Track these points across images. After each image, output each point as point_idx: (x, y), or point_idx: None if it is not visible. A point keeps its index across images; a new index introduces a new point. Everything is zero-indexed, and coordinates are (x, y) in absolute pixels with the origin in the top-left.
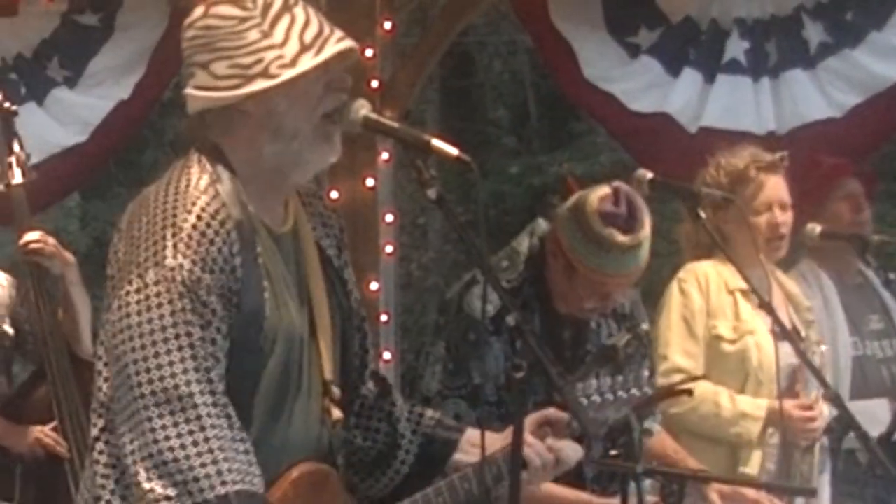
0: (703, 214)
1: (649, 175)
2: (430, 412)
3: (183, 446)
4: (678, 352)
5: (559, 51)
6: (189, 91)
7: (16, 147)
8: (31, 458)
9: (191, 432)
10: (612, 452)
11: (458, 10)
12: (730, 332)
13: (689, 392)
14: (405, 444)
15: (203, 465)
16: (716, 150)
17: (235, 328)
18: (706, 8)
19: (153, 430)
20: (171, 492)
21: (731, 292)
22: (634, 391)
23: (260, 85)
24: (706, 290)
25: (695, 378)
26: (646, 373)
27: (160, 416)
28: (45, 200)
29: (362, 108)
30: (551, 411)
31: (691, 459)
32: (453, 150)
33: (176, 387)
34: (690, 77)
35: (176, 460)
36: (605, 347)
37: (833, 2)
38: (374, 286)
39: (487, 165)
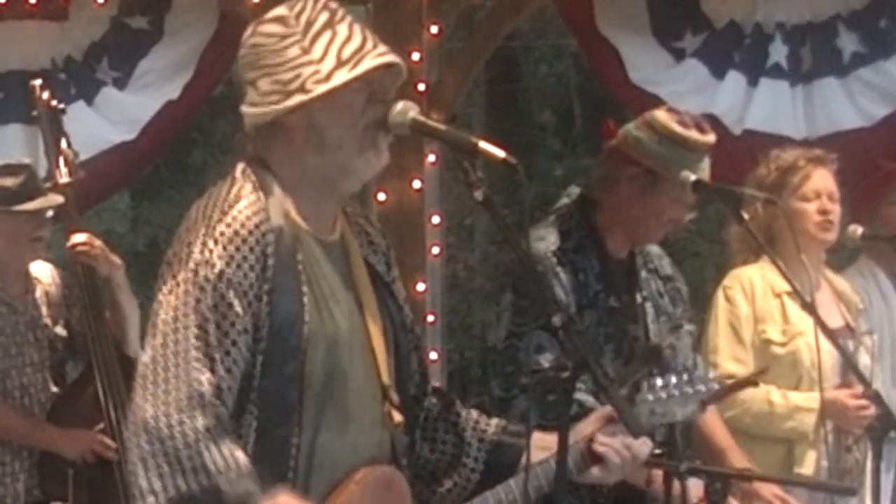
0: (745, 216)
1: (692, 177)
2: (495, 420)
3: (172, 437)
4: (728, 358)
5: (605, 55)
6: (242, 109)
7: (63, 145)
8: (81, 462)
9: (181, 423)
10: (657, 451)
11: (504, 15)
12: (779, 336)
13: (755, 384)
14: (473, 452)
15: (189, 458)
16: (759, 153)
17: (271, 331)
18: (751, 12)
19: (158, 418)
20: (156, 485)
21: (778, 295)
22: (701, 387)
23: (297, 99)
24: (752, 296)
25: (760, 372)
26: (711, 370)
27: (159, 403)
28: (93, 199)
29: (410, 111)
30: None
31: (738, 452)
32: (500, 153)
33: (177, 377)
34: (735, 80)
35: (167, 452)
36: (649, 347)
37: (868, 10)
38: (420, 287)
39: (533, 168)
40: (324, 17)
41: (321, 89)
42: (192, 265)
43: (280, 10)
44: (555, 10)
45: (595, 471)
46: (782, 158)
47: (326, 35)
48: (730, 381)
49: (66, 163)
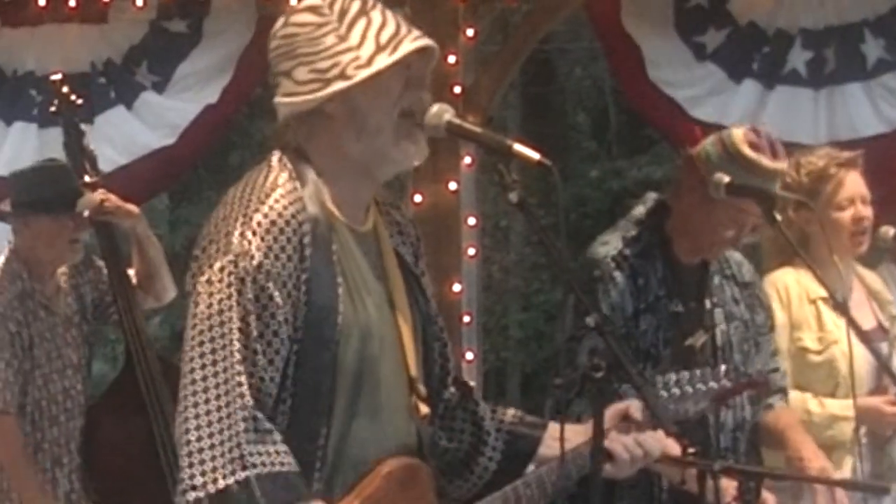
0: (778, 217)
1: (726, 179)
2: (511, 410)
3: (211, 434)
4: None
5: (626, 53)
6: (276, 100)
7: (84, 142)
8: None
9: (220, 419)
10: (690, 450)
11: (540, 18)
12: (815, 344)
13: (766, 383)
14: (490, 442)
15: (230, 450)
16: None
17: (307, 320)
18: (773, 15)
19: (194, 414)
20: (197, 481)
21: (813, 301)
22: (713, 384)
23: (338, 86)
24: (787, 303)
25: (770, 371)
26: (722, 366)
27: (199, 400)
28: (132, 201)
29: (446, 114)
30: (631, 404)
31: (800, 435)
32: (535, 155)
33: (215, 375)
34: (751, 87)
35: (201, 450)
36: (684, 349)
37: (894, 16)
38: (456, 288)
39: (568, 169)
40: (356, 4)
41: (363, 74)
42: (231, 256)
43: (312, 0)
44: (583, 7)
45: (607, 466)
46: (812, 163)
47: (362, 22)
48: (742, 380)
49: (89, 160)
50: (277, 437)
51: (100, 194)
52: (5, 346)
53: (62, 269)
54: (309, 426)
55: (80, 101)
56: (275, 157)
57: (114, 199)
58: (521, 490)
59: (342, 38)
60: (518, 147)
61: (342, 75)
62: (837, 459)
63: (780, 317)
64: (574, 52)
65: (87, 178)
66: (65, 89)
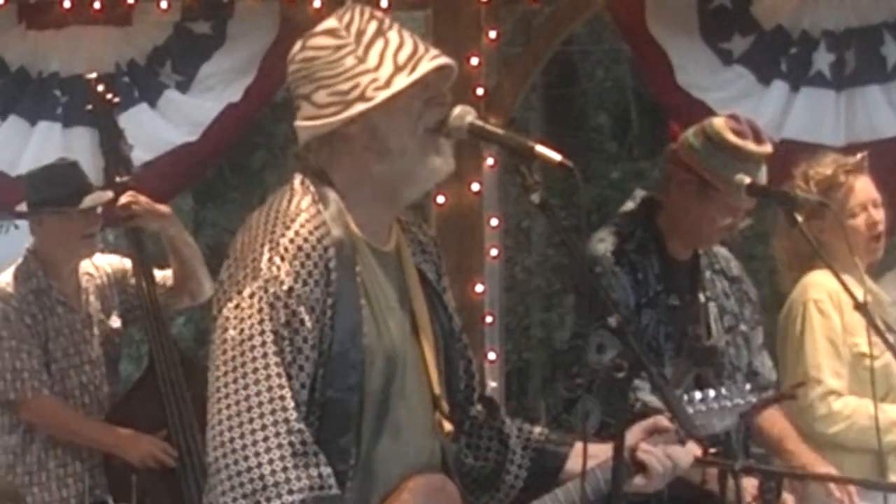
0: (800, 219)
1: (747, 180)
2: (538, 428)
3: (257, 454)
4: (830, 374)
5: (654, 58)
6: (297, 123)
7: (119, 141)
8: (143, 469)
9: (265, 438)
10: (712, 450)
11: (562, 20)
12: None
13: (794, 396)
14: (517, 459)
15: (273, 473)
16: (796, 162)
17: (333, 343)
18: (798, 18)
19: (231, 438)
20: (241, 503)
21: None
22: (739, 401)
23: (357, 108)
24: (839, 307)
25: (798, 385)
26: (747, 384)
27: (238, 423)
28: (155, 200)
29: (468, 115)
30: (659, 419)
31: (797, 442)
32: (556, 156)
33: (258, 393)
34: (780, 88)
35: (249, 469)
36: (704, 348)
37: None
38: (479, 288)
39: (589, 171)
40: (373, 25)
41: (383, 96)
42: (260, 282)
43: (328, 24)
44: (608, 12)
45: (638, 479)
46: (819, 173)
47: (379, 42)
48: (768, 395)
49: (122, 160)
50: (322, 458)
51: (127, 196)
52: (26, 338)
53: (85, 269)
54: (339, 447)
55: (116, 100)
56: (297, 180)
57: (143, 201)
58: None
59: (360, 60)
60: (540, 148)
61: (362, 97)
62: (893, 463)
63: (837, 323)
64: (596, 53)
65: (117, 179)
66: (100, 88)
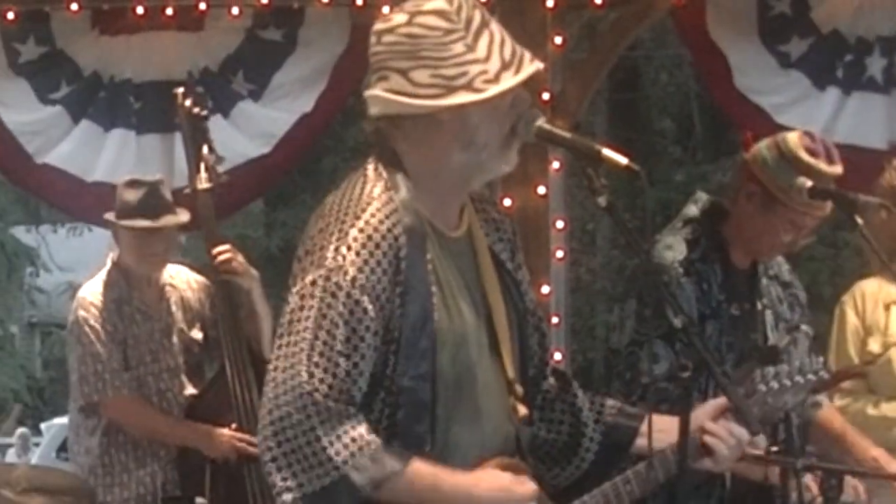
0: (860, 221)
1: (809, 183)
2: (610, 401)
3: (295, 437)
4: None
5: (714, 61)
6: (378, 93)
7: (205, 151)
8: (221, 460)
9: (299, 422)
10: (774, 448)
11: (626, 26)
12: (878, 347)
13: (864, 374)
14: (588, 433)
15: (314, 454)
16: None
17: (403, 331)
18: (854, 24)
19: (271, 420)
20: (290, 483)
21: (888, 306)
22: (811, 376)
23: (463, 98)
24: (862, 310)
25: (868, 362)
26: (820, 357)
27: (276, 405)
28: (227, 210)
29: (536, 119)
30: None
31: (858, 437)
32: (622, 159)
33: (292, 366)
34: (833, 94)
35: (294, 451)
36: (767, 348)
37: None
38: (545, 290)
39: (654, 174)
40: (478, 15)
41: (493, 90)
42: (323, 270)
43: (437, 4)
44: (669, 16)
45: (707, 462)
46: None
47: (486, 34)
48: (838, 370)
49: (207, 168)
50: (358, 418)
51: (228, 253)
52: (107, 343)
53: (169, 280)
54: (416, 434)
55: (204, 113)
56: (370, 166)
57: (240, 260)
58: (620, 486)
59: (470, 48)
60: (606, 152)
61: (469, 86)
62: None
63: (851, 322)
64: (659, 58)
65: (199, 186)
66: (188, 103)
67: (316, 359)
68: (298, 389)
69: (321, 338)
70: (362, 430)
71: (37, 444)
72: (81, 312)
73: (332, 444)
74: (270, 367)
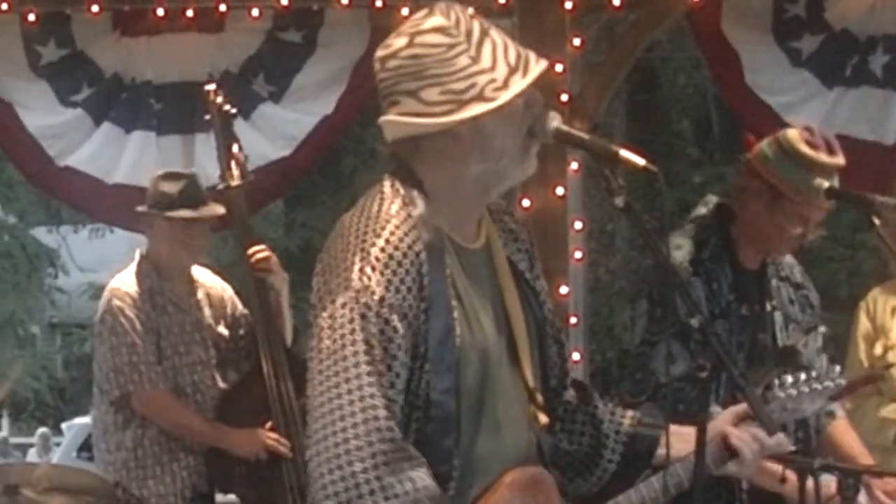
0: (877, 221)
1: (826, 184)
2: (630, 412)
3: (350, 462)
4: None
5: (726, 60)
6: (392, 118)
7: (234, 149)
8: (252, 461)
9: (358, 448)
10: (791, 449)
11: (645, 28)
12: (881, 350)
13: (881, 379)
14: (610, 444)
15: (367, 482)
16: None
17: (428, 347)
18: (865, 23)
19: (326, 447)
20: None
21: (894, 310)
22: (829, 383)
23: (476, 109)
24: (873, 314)
25: (889, 366)
26: (837, 366)
27: (332, 433)
28: (248, 210)
29: (554, 120)
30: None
31: (867, 457)
32: (640, 161)
33: (350, 403)
34: (839, 93)
35: (343, 478)
36: (785, 349)
37: None
38: (563, 290)
39: (672, 175)
40: (477, 25)
41: (504, 97)
42: (351, 292)
43: (436, 21)
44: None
45: (731, 465)
46: None
47: (488, 43)
48: (853, 379)
49: (238, 165)
50: (418, 460)
51: (264, 252)
52: (141, 334)
53: (200, 277)
54: (442, 448)
55: (234, 111)
56: (387, 183)
57: (275, 260)
58: (644, 492)
59: (474, 60)
60: (624, 153)
61: (480, 97)
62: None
63: (862, 327)
64: (677, 60)
65: (231, 182)
66: (219, 100)
67: (367, 386)
68: (367, 414)
69: (369, 363)
70: (423, 473)
71: (57, 444)
72: (116, 302)
73: (391, 484)
74: (317, 393)
